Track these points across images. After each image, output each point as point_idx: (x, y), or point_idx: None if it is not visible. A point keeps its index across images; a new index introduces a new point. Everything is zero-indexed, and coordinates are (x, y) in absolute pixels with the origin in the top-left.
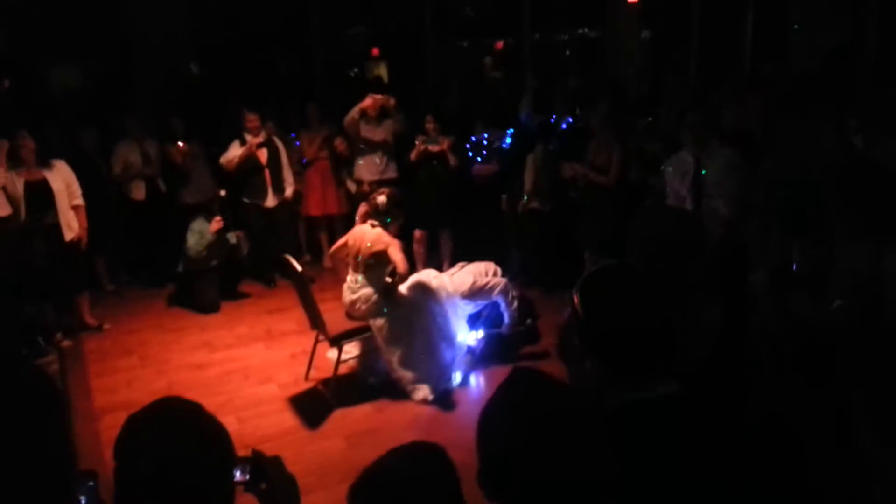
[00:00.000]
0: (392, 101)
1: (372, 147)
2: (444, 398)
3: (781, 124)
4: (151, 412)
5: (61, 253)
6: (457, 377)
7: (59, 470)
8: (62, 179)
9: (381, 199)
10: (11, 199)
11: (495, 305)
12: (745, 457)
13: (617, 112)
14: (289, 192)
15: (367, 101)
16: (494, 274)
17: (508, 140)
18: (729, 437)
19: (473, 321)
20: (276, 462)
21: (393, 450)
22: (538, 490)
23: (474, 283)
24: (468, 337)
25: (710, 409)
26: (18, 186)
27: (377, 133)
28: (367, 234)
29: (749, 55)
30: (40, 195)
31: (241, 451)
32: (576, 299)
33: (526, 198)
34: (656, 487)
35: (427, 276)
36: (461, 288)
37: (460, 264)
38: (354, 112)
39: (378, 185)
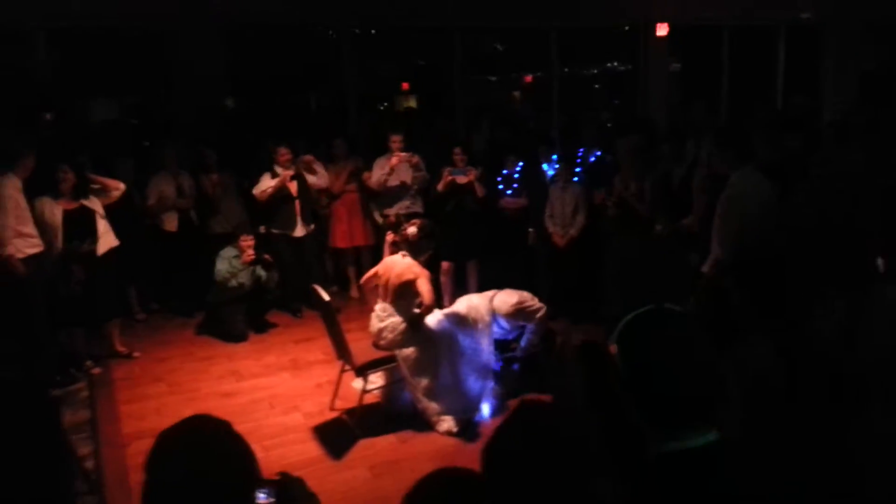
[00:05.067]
0: (415, 159)
1: (395, 192)
2: (469, 430)
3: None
4: (181, 428)
5: (95, 281)
6: (484, 409)
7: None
8: (97, 203)
9: (412, 229)
10: (48, 228)
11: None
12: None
13: (647, 144)
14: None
15: (394, 161)
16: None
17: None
18: (766, 487)
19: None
20: (300, 483)
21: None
22: None
23: (521, 302)
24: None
25: (749, 459)
26: (57, 215)
27: (393, 179)
28: (396, 264)
29: (781, 87)
30: (80, 221)
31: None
32: (613, 350)
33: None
34: None
35: (466, 300)
36: (504, 307)
37: (493, 291)
38: (383, 177)
39: (406, 217)
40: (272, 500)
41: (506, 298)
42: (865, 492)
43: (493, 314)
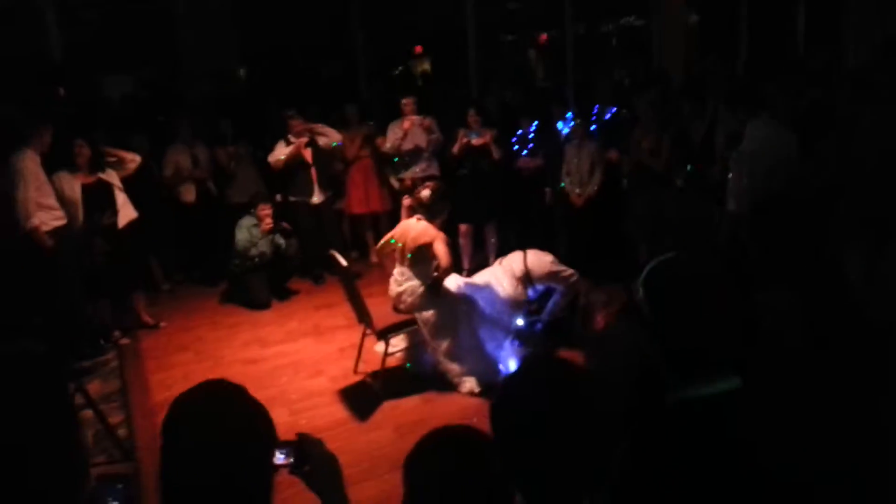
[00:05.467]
0: (428, 122)
1: (410, 155)
2: (491, 390)
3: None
4: (196, 392)
5: (118, 253)
6: (511, 366)
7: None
8: (114, 176)
9: (426, 192)
10: (68, 203)
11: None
12: (798, 453)
13: (664, 99)
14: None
15: (406, 125)
16: None
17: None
18: (785, 431)
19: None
20: (318, 443)
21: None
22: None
23: (554, 263)
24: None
25: (769, 403)
26: (76, 189)
27: (407, 143)
28: (412, 228)
29: (802, 39)
30: (99, 195)
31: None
32: (639, 294)
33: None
34: (706, 485)
35: (491, 274)
36: (539, 269)
37: (518, 253)
38: (397, 141)
39: (422, 181)
40: (290, 460)
41: (539, 260)
42: (890, 447)
43: (528, 278)
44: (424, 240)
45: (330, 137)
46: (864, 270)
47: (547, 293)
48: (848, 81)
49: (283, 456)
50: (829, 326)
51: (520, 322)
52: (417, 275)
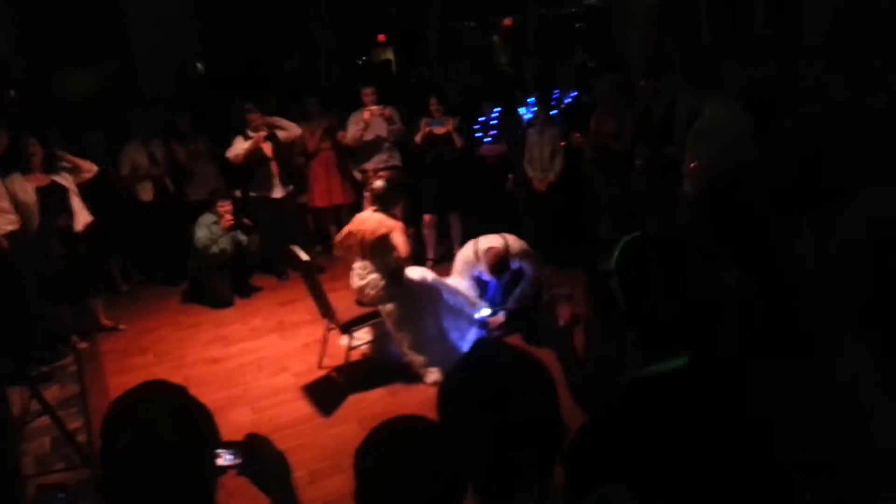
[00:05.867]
0: (388, 112)
1: (371, 145)
2: None
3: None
4: (134, 393)
5: (76, 256)
6: None
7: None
8: (69, 181)
9: (379, 183)
10: (23, 206)
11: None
12: (745, 434)
13: (625, 81)
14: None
15: (367, 115)
16: None
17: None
18: (732, 411)
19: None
20: (266, 443)
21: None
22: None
23: (532, 251)
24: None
25: (721, 380)
26: (30, 192)
27: (368, 134)
28: (368, 220)
29: (761, 16)
30: (54, 198)
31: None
32: (610, 272)
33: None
34: (656, 461)
35: (455, 282)
36: (517, 244)
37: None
38: (358, 132)
39: (384, 171)
40: (238, 460)
41: (515, 238)
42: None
43: (507, 250)
44: (382, 231)
45: (289, 131)
46: (816, 244)
47: (514, 282)
48: (805, 56)
49: (231, 456)
50: (783, 309)
51: (484, 311)
52: (378, 267)
